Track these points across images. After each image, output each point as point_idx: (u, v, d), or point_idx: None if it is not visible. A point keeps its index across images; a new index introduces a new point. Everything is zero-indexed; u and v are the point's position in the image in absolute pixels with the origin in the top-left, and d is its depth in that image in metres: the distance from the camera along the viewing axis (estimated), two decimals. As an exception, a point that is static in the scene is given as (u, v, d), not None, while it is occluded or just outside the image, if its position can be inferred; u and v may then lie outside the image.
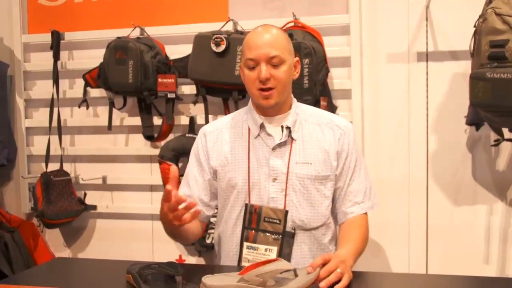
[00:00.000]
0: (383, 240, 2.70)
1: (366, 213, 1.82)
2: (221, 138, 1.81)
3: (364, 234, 1.75)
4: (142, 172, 2.97)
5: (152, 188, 2.98)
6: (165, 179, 2.76)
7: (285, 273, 1.37)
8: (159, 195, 2.80)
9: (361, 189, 1.80)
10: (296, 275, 1.35)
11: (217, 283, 1.31)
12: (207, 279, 1.34)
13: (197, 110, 2.85)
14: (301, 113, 1.81)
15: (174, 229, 1.64)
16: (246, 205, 1.72)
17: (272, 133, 1.76)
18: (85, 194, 3.00)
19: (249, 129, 1.79)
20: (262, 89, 1.70)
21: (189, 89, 2.80)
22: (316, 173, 1.74)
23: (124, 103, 2.86)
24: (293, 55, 1.77)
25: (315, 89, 2.49)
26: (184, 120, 2.87)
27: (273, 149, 1.73)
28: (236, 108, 2.59)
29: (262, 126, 1.76)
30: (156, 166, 2.92)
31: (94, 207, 3.00)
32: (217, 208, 1.89)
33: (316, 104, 2.47)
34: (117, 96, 2.83)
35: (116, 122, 2.92)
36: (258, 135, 1.76)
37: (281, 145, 1.75)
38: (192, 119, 2.80)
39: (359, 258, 1.70)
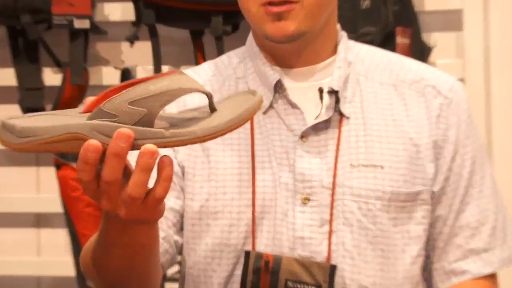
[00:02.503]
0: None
1: (494, 275, 1.31)
2: None
3: None
4: (21, 188, 2.18)
5: (39, 220, 2.16)
6: (68, 198, 2.05)
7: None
8: (52, 235, 2.20)
9: (486, 223, 1.29)
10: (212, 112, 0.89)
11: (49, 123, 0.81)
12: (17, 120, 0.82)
13: (138, 56, 2.09)
14: (359, 62, 1.31)
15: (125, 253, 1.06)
16: (248, 253, 1.22)
17: (299, 103, 1.26)
18: None
19: (250, 94, 1.46)
20: (270, 3, 1.18)
21: (120, 11, 2.05)
22: (392, 187, 1.25)
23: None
24: None
25: (385, 10, 1.99)
26: (109, 76, 2.08)
27: (303, 136, 1.24)
28: (219, 53, 1.92)
29: (279, 87, 1.26)
30: (47, 173, 2.13)
31: None
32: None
33: (388, 42, 1.94)
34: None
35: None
36: (271, 106, 1.26)
37: (319, 128, 1.25)
38: (126, 74, 2.05)
39: None
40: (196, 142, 0.85)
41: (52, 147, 0.78)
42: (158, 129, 0.79)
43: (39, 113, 0.83)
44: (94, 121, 0.78)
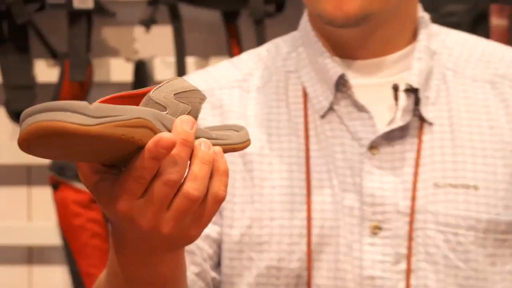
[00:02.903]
0: None
1: None
2: (228, 115, 1.17)
3: None
4: (7, 214, 1.97)
5: (31, 254, 1.99)
6: (69, 227, 1.87)
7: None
8: (47, 273, 2.00)
9: None
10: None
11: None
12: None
13: (155, 45, 1.93)
14: (445, 52, 1.18)
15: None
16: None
17: (367, 104, 1.14)
18: None
19: (304, 92, 1.18)
20: None
21: (131, -11, 2.05)
22: (489, 214, 1.13)
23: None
24: None
25: (476, -18, 2.10)
26: (119, 70, 1.91)
27: (373, 147, 1.14)
28: (260, 41, 1.75)
29: (342, 84, 1.14)
30: (41, 195, 1.93)
31: None
32: None
33: (480, 24, 1.80)
34: None
35: None
36: (331, 109, 1.15)
37: (393, 137, 1.15)
38: (140, 67, 1.90)
39: None
40: (237, 149, 0.82)
41: (125, 132, 0.72)
42: (205, 128, 0.78)
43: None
44: (155, 110, 0.75)
